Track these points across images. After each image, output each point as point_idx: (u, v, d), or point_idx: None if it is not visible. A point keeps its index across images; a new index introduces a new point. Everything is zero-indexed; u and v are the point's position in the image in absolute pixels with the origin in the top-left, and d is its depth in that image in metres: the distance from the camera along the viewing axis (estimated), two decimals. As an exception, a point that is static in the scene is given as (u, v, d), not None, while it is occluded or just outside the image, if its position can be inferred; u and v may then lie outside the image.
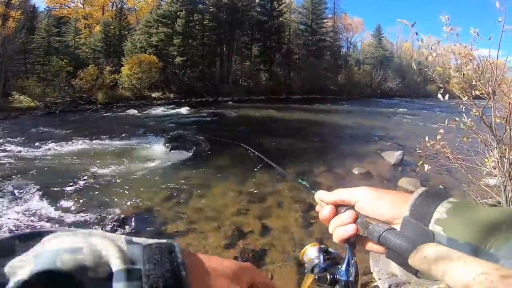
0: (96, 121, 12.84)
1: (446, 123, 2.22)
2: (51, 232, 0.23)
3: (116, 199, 4.73)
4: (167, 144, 7.80)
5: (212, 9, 25.77)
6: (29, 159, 6.81)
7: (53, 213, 4.23)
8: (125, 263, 0.22)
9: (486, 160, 2.50)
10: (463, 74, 2.15)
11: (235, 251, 3.46)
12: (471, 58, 2.19)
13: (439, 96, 2.09)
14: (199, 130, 10.67)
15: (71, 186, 5.20)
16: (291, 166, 6.59)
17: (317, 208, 0.46)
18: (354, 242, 0.40)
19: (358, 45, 47.53)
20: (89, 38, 25.46)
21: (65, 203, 4.53)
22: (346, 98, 29.83)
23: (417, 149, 2.61)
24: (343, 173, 6.41)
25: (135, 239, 0.25)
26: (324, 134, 11.73)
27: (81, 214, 4.24)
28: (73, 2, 28.92)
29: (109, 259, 0.22)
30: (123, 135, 9.45)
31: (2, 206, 4.37)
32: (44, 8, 27.43)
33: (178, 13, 23.79)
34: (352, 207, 0.40)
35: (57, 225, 3.91)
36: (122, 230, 3.89)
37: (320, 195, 0.45)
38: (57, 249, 0.21)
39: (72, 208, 4.40)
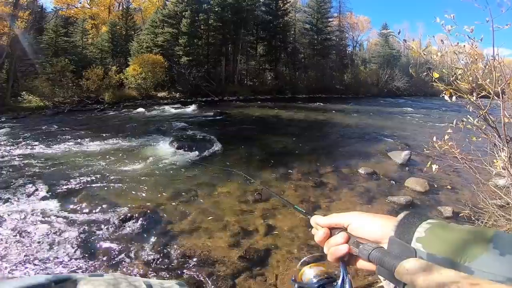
0: (103, 121, 13.02)
1: (454, 123, 2.18)
2: (82, 278, 0.26)
3: (123, 198, 4.79)
4: (173, 144, 7.86)
5: (217, 9, 25.81)
6: (38, 158, 6.94)
7: (62, 212, 4.30)
8: None
9: (494, 160, 2.45)
10: (469, 73, 2.11)
11: (239, 251, 3.47)
12: (476, 57, 2.15)
13: (446, 97, 2.05)
14: (204, 130, 10.73)
15: (80, 184, 5.29)
16: (297, 166, 6.56)
17: (313, 231, 0.50)
18: (347, 260, 0.44)
19: (364, 44, 47.10)
20: (96, 38, 25.81)
21: (73, 202, 4.61)
22: (352, 97, 29.58)
23: (425, 149, 2.58)
24: (349, 173, 6.36)
25: (152, 282, 0.27)
26: (330, 133, 11.66)
27: (89, 213, 4.30)
28: (80, 3, 29.36)
29: None
30: (130, 134, 9.56)
31: (11, 204, 4.47)
32: (52, 9, 27.88)
33: (183, 13, 23.92)
34: (344, 229, 0.45)
35: (72, 225, 3.98)
36: (130, 230, 3.94)
37: (316, 220, 0.49)
38: None
39: (80, 207, 4.48)
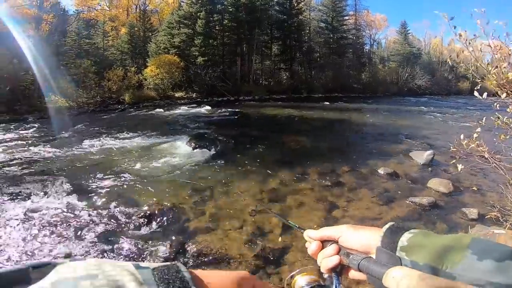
0: (124, 121, 13.47)
1: (483, 120, 2.07)
2: (61, 262, 0.25)
3: (141, 196, 4.93)
4: (190, 143, 8.00)
5: (231, 9, 26.03)
6: (63, 156, 7.30)
7: (82, 209, 4.49)
8: (140, 285, 0.24)
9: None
10: (501, 70, 2.00)
11: (255, 249, 3.47)
12: (506, 53, 2.03)
13: (476, 93, 1.96)
14: (220, 129, 10.84)
15: (100, 182, 5.50)
16: (314, 166, 6.48)
17: (306, 244, 0.53)
18: (340, 271, 0.46)
19: (382, 42, 45.77)
20: (116, 40, 26.69)
21: (93, 199, 4.79)
22: (371, 96, 28.85)
23: (451, 148, 2.47)
24: (367, 173, 6.20)
25: (141, 264, 0.28)
26: (348, 132, 11.42)
27: (110, 210, 4.47)
28: (99, 5, 30.49)
29: (124, 283, 0.24)
30: (149, 134, 9.84)
31: (35, 201, 4.72)
32: (74, 11, 29.09)
33: (198, 14, 24.28)
34: (335, 241, 0.47)
35: (94, 222, 4.16)
36: (149, 227, 4.05)
37: (308, 233, 0.52)
38: (73, 277, 0.23)
39: (100, 204, 4.65)
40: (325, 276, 0.50)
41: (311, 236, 0.51)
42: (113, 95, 19.86)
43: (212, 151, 7.56)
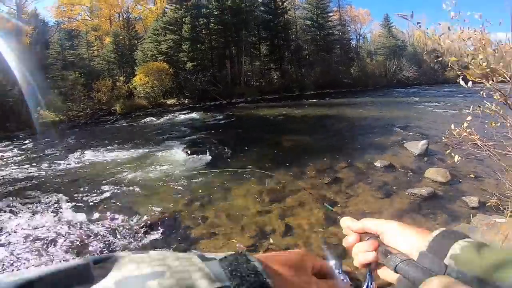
0: (117, 132, 13.33)
1: (471, 109, 2.13)
2: (123, 256, 0.23)
3: (140, 206, 4.89)
4: (185, 150, 7.97)
5: (216, 12, 26.00)
6: (57, 170, 7.19)
7: (83, 222, 4.43)
8: (212, 282, 0.22)
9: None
10: (482, 59, 2.06)
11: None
12: (484, 42, 2.09)
13: (461, 82, 2.01)
14: (215, 134, 10.82)
15: (98, 194, 5.44)
16: (311, 163, 6.52)
17: (344, 232, 0.49)
18: (374, 268, 0.43)
19: (368, 36, 46.35)
20: (102, 49, 26.35)
21: (92, 213, 4.73)
22: (361, 90, 29.17)
23: (443, 137, 2.52)
24: (365, 167, 6.26)
25: (206, 254, 0.26)
26: (342, 128, 11.52)
27: (110, 222, 4.42)
28: (80, 15, 30.12)
29: (193, 281, 0.22)
30: (143, 143, 9.76)
31: (34, 216, 4.64)
32: (54, 22, 28.52)
33: (183, 19, 24.16)
34: (376, 236, 0.44)
35: (97, 235, 4.11)
36: (151, 237, 4.02)
37: (347, 222, 0.48)
38: (140, 275, 0.21)
39: (99, 216, 4.60)
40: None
41: (350, 226, 0.47)
42: (103, 106, 19.63)
43: (208, 157, 7.55)
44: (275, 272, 0.27)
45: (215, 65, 26.86)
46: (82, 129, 14.65)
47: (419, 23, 2.18)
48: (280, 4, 29.84)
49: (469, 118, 2.18)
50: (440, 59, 2.15)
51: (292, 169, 6.24)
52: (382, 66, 35.02)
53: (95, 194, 5.46)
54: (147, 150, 8.94)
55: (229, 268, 0.24)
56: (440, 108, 14.27)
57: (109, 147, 9.48)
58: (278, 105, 19.39)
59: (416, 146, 7.03)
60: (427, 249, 0.38)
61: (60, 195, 5.43)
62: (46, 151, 9.62)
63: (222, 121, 14.30)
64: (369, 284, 0.44)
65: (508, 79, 1.92)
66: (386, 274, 0.42)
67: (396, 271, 0.39)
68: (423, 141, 7.04)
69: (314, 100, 21.53)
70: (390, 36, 37.52)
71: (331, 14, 33.06)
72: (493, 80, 1.97)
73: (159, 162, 7.46)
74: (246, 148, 8.45)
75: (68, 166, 7.68)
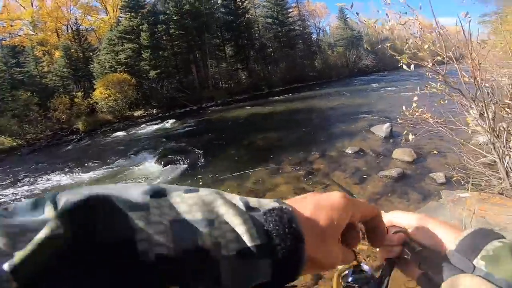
0: (83, 151, 12.58)
1: (418, 90, 2.33)
2: (175, 195, 0.24)
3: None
4: (159, 161, 7.75)
5: (175, 17, 25.42)
6: (23, 198, 6.63)
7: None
8: (253, 239, 0.23)
9: (467, 119, 2.60)
10: (421, 42, 2.26)
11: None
12: (421, 26, 2.30)
13: (404, 67, 2.20)
14: (188, 141, 10.62)
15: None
16: (286, 159, 6.66)
17: None
18: (394, 262, 0.42)
19: (327, 29, 48.18)
20: (52, 65, 24.59)
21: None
22: (327, 81, 30.22)
23: (398, 119, 2.71)
24: (337, 155, 6.52)
25: (251, 202, 0.26)
26: (311, 120, 11.87)
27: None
28: (22, 30, 27.94)
29: (238, 235, 0.23)
30: (114, 160, 9.32)
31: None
32: (-7, 39, 26.16)
33: (141, 27, 23.31)
34: (404, 230, 0.41)
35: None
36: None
37: None
38: (194, 220, 0.22)
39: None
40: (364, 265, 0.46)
41: None
42: (64, 125, 18.42)
43: (184, 165, 7.41)
44: (307, 231, 0.27)
45: (181, 71, 26.31)
46: (44, 152, 13.64)
47: (357, 13, 2.34)
48: (240, 4, 29.93)
49: (415, 98, 2.37)
50: (389, 44, 2.31)
51: (269, 166, 6.32)
52: (343, 57, 36.61)
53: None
54: (119, 166, 8.55)
55: (273, 226, 0.25)
56: (399, 91, 15.20)
57: (76, 168, 8.94)
58: (248, 104, 19.49)
59: (381, 129, 7.44)
60: (456, 248, 0.36)
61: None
62: (6, 181, 8.84)
63: (193, 128, 14.07)
64: (385, 277, 0.42)
65: (450, 60, 2.13)
66: (408, 269, 0.40)
67: (420, 267, 0.38)
68: (387, 124, 7.45)
69: (283, 96, 21.93)
70: (346, 28, 39.25)
71: (290, 10, 33.85)
72: (433, 62, 2.16)
73: (133, 178, 7.18)
74: (220, 151, 8.41)
75: (33, 193, 7.13)
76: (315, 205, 0.29)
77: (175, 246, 0.21)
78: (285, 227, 0.25)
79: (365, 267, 0.47)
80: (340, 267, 0.48)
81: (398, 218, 0.43)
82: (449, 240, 0.37)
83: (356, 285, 0.44)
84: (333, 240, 0.30)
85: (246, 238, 0.23)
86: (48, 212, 0.19)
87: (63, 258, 0.18)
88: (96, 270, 0.18)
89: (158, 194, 0.23)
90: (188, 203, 0.23)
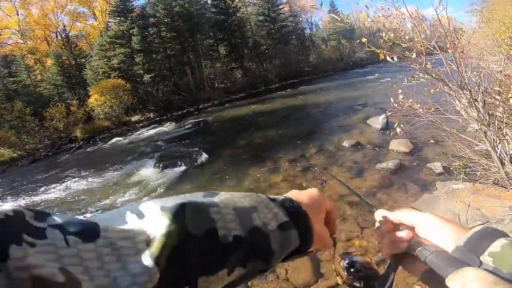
0: (83, 159, 12.59)
1: (405, 81, 2.34)
2: (216, 192, 0.35)
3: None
4: (158, 165, 7.76)
5: (166, 20, 25.28)
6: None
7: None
8: (286, 216, 0.35)
9: (457, 108, 2.60)
10: (403, 33, 2.28)
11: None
12: (399, 18, 2.31)
13: (388, 58, 2.21)
14: (186, 143, 10.63)
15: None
16: (283, 156, 6.67)
17: (376, 224, 0.48)
18: (399, 259, 0.43)
19: (319, 24, 48.05)
20: (45, 73, 24.43)
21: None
22: (322, 75, 30.18)
23: (387, 111, 2.72)
24: (334, 149, 6.52)
25: (270, 196, 0.37)
26: (308, 115, 11.88)
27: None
28: (11, 39, 27.77)
29: (276, 214, 0.35)
30: (113, 166, 9.32)
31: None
32: (-19, 50, 25.97)
33: (131, 31, 23.16)
34: (411, 228, 0.43)
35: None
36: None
37: (382, 213, 0.47)
38: (245, 207, 0.33)
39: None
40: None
41: (386, 217, 0.46)
42: (62, 134, 18.39)
43: (182, 166, 7.42)
44: (308, 212, 0.38)
45: (175, 73, 26.23)
46: (45, 162, 13.65)
47: (329, 10, 2.36)
48: (230, 3, 29.78)
49: (400, 91, 2.38)
50: (366, 39, 2.31)
51: (267, 163, 6.34)
52: (337, 50, 36.51)
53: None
54: (119, 172, 8.57)
55: (291, 209, 0.36)
56: (393, 82, 15.05)
57: (77, 177, 8.95)
58: (246, 103, 19.47)
59: (378, 121, 7.43)
60: (464, 245, 0.37)
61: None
62: (8, 192, 8.86)
63: (191, 129, 14.06)
64: (390, 273, 0.43)
65: (432, 49, 2.14)
66: (413, 266, 0.41)
67: (426, 263, 0.38)
68: (382, 115, 7.39)
69: (280, 92, 21.90)
70: (338, 21, 39.09)
71: (281, 6, 33.69)
72: (421, 53, 2.17)
73: (133, 182, 7.20)
74: (218, 151, 8.43)
75: (36, 202, 7.16)
76: (308, 196, 0.40)
77: (242, 228, 0.30)
78: (298, 210, 0.37)
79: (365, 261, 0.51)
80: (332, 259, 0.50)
81: (405, 216, 0.44)
82: (456, 237, 0.38)
83: (362, 282, 0.46)
84: (322, 217, 0.41)
85: (282, 216, 0.34)
86: (153, 217, 0.27)
87: (178, 247, 0.25)
88: (194, 254, 0.26)
89: (212, 194, 0.33)
90: (235, 196, 0.33)
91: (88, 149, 15.10)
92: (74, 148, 16.04)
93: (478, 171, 2.81)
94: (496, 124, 2.39)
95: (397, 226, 0.44)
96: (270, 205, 0.34)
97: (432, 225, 0.41)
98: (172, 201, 0.28)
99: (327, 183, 4.71)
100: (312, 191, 0.42)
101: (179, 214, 0.27)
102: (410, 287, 2.14)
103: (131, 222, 0.26)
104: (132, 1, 24.91)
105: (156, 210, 0.27)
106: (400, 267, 0.44)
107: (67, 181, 8.62)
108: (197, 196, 0.32)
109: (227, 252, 0.28)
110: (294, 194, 0.40)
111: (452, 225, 0.41)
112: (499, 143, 2.41)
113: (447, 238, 0.39)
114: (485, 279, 0.30)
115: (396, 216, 0.45)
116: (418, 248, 0.40)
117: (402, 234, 0.43)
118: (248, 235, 0.30)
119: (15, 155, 15.61)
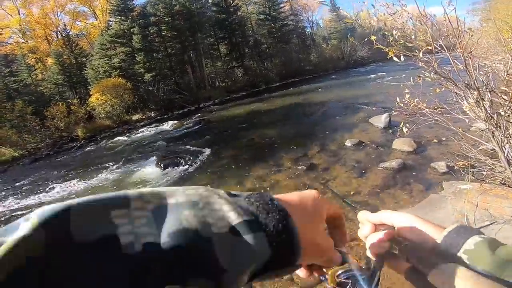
0: (84, 158, 12.59)
1: (411, 80, 2.31)
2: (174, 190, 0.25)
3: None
4: (159, 164, 7.75)
5: (167, 19, 25.24)
6: (26, 209, 6.66)
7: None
8: (240, 216, 0.24)
9: (464, 107, 2.57)
10: (409, 32, 2.25)
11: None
12: (405, 17, 2.28)
13: (394, 58, 2.19)
14: (187, 142, 10.62)
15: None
16: (285, 155, 6.65)
17: (360, 225, 0.49)
18: (384, 258, 0.44)
19: (320, 23, 47.89)
20: (46, 72, 24.42)
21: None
22: (323, 74, 30.11)
23: (392, 111, 2.69)
24: (337, 148, 6.49)
25: (231, 191, 0.28)
26: (310, 114, 11.83)
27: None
28: (12, 38, 27.75)
29: (224, 213, 0.24)
30: (114, 165, 9.32)
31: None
32: (-18, 49, 25.97)
33: (132, 30, 23.12)
34: (392, 228, 0.45)
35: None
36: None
37: (364, 215, 0.48)
38: (176, 204, 0.23)
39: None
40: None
41: (368, 218, 0.47)
42: (63, 133, 18.39)
43: (183, 166, 7.42)
44: (294, 213, 0.28)
45: (176, 72, 26.21)
46: (46, 161, 13.66)
47: (330, 9, 2.33)
48: (231, 2, 29.71)
49: (407, 91, 2.35)
50: (385, 35, 2.29)
51: (269, 162, 6.33)
52: (338, 49, 36.41)
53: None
54: (120, 171, 8.56)
55: (256, 204, 0.26)
56: (395, 80, 15.01)
57: (79, 176, 8.96)
58: (246, 102, 19.44)
59: (380, 120, 7.40)
60: (441, 242, 0.39)
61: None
62: (10, 191, 8.87)
63: (192, 128, 14.05)
64: (375, 272, 0.44)
65: (439, 48, 2.11)
66: (396, 264, 0.43)
67: (408, 261, 0.40)
68: (385, 114, 7.39)
69: (281, 91, 21.84)
70: (339, 20, 38.98)
71: (282, 5, 33.61)
72: (427, 52, 2.14)
73: (134, 182, 7.20)
74: (220, 150, 8.42)
75: (38, 202, 7.16)
76: (298, 195, 0.33)
77: (162, 232, 0.21)
78: (268, 204, 0.27)
79: (354, 267, 0.47)
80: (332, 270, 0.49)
81: (386, 217, 0.46)
82: (435, 235, 0.40)
83: (350, 281, 0.45)
84: (320, 223, 0.33)
85: (233, 216, 0.24)
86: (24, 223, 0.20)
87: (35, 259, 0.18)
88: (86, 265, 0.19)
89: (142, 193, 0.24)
90: (170, 190, 0.25)
91: (89, 148, 15.10)
92: (75, 147, 16.04)
93: (484, 171, 2.78)
94: (504, 124, 2.36)
95: (379, 227, 0.46)
96: (221, 200, 0.25)
97: (412, 224, 0.43)
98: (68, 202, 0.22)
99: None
100: (308, 192, 0.35)
101: (53, 217, 0.20)
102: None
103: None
104: (132, 0, 24.90)
105: (33, 213, 0.21)
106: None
107: (68, 180, 8.63)
108: (124, 192, 0.25)
109: (134, 264, 0.20)
110: (280, 195, 0.32)
111: (431, 225, 0.42)
112: (507, 143, 2.38)
113: (426, 236, 0.41)
114: (463, 275, 0.33)
115: (378, 217, 0.47)
116: (401, 247, 0.42)
117: (383, 234, 0.44)
118: (171, 240, 0.21)
119: (17, 154, 15.63)
